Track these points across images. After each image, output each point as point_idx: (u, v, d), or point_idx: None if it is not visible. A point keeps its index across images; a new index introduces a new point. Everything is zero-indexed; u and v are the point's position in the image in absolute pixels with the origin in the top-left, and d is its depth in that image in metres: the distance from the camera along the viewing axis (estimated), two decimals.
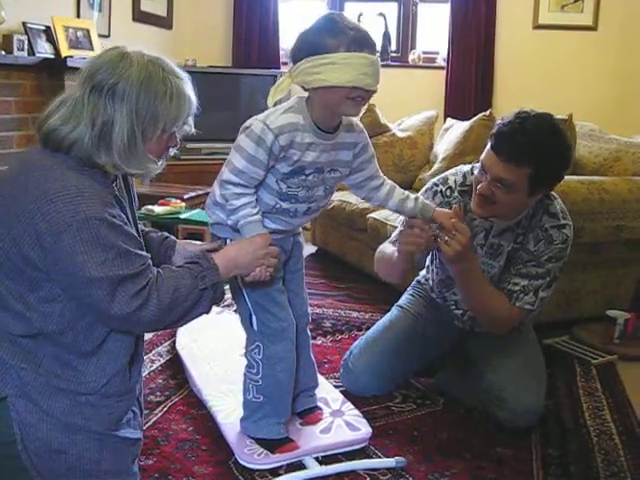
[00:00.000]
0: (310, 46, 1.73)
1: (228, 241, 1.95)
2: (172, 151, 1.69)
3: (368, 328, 2.93)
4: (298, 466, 2.00)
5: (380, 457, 2.06)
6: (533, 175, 2.03)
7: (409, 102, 4.90)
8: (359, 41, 1.71)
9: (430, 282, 2.52)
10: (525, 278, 2.21)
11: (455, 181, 2.32)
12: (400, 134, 4.42)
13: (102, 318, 1.56)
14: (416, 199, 2.08)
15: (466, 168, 2.33)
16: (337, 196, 4.15)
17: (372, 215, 3.65)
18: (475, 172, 2.18)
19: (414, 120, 4.51)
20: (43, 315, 1.54)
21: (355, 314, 3.32)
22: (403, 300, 2.62)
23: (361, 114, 4.40)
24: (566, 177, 3.07)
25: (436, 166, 4.09)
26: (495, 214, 2.18)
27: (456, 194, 2.30)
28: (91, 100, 1.52)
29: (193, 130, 1.72)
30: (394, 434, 2.19)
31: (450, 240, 2.04)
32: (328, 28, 1.73)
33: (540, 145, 2.01)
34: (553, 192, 2.27)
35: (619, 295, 3.29)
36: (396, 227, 3.37)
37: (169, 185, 4.35)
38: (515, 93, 4.74)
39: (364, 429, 2.13)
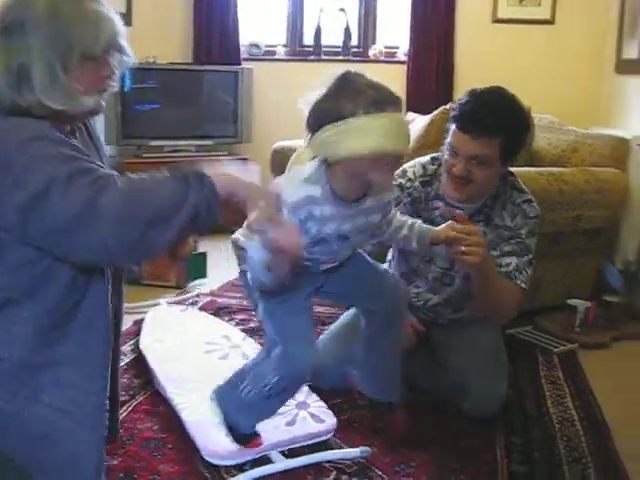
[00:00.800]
0: (326, 114, 1.58)
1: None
2: (112, 84, 1.56)
3: (332, 323, 2.95)
4: (264, 460, 2.00)
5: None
6: (504, 144, 2.10)
7: None
8: (379, 100, 1.55)
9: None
10: (513, 256, 2.23)
11: (414, 172, 2.34)
12: None
13: (60, 228, 1.34)
14: (411, 227, 1.99)
15: (425, 159, 2.36)
16: None
17: None
18: (444, 156, 2.21)
19: None
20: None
21: (321, 309, 3.32)
22: None
23: None
24: (525, 168, 3.14)
25: None
26: (472, 194, 2.20)
27: (417, 184, 2.32)
28: (2, 45, 1.44)
29: (133, 61, 1.59)
30: (359, 426, 2.21)
31: (468, 248, 1.95)
32: (343, 90, 1.58)
33: (504, 113, 2.09)
34: (517, 177, 2.32)
35: (579, 284, 3.34)
36: None
37: None
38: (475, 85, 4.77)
39: (329, 420, 2.14)
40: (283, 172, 4.60)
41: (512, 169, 2.36)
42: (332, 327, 2.56)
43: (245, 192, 1.43)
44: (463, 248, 1.95)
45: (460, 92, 2.47)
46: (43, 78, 1.44)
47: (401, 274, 2.44)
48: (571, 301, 3.13)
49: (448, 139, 2.17)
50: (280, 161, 4.54)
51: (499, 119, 2.08)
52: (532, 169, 3.18)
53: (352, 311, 2.52)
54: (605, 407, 2.41)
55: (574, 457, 2.08)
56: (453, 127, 2.15)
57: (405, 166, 2.39)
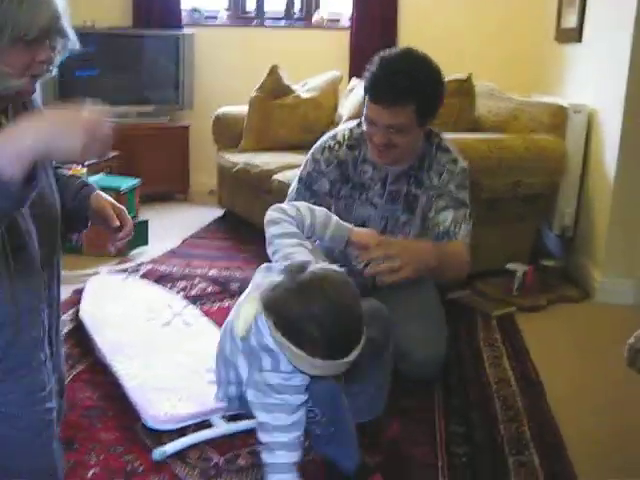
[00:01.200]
0: (288, 330, 1.44)
1: None
2: (47, 68, 1.50)
3: None
4: (205, 425, 2.00)
5: None
6: (419, 108, 2.10)
7: (313, 63, 4.87)
8: (335, 348, 1.43)
9: None
10: (447, 210, 2.24)
11: (344, 136, 2.36)
12: (304, 95, 4.41)
13: None
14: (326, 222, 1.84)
15: (353, 123, 2.38)
16: (242, 159, 4.13)
17: (277, 177, 3.64)
18: (363, 127, 2.22)
19: (318, 81, 4.49)
20: None
21: None
22: None
23: (263, 77, 4.38)
24: (466, 135, 3.17)
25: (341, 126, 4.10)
26: (396, 158, 2.22)
27: (344, 148, 2.34)
28: None
29: (77, 46, 1.54)
30: None
31: (393, 266, 1.93)
32: (302, 322, 1.42)
33: (414, 78, 2.08)
34: (443, 136, 2.34)
35: (518, 249, 3.41)
36: None
37: None
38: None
39: None
40: (225, 139, 4.52)
41: (450, 135, 2.39)
42: None
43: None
44: (384, 265, 1.94)
45: None
46: None
47: None
48: (510, 265, 3.19)
49: (364, 110, 2.18)
50: (222, 128, 4.50)
51: (409, 86, 2.07)
52: (472, 136, 3.22)
53: None
54: (540, 367, 2.48)
55: (509, 416, 2.14)
56: (366, 98, 2.16)
57: (336, 129, 2.43)
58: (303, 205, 1.82)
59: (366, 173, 2.32)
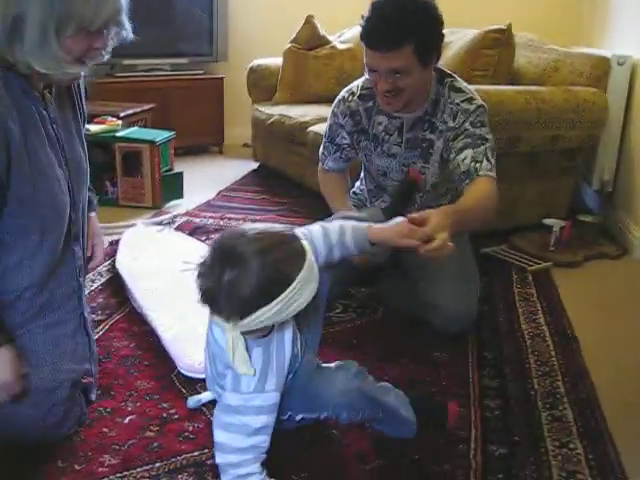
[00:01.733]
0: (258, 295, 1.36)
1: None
2: (101, 53, 1.59)
3: None
4: None
5: None
6: (417, 48, 2.06)
7: (349, 13, 4.78)
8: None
9: (365, 192, 2.56)
10: (466, 149, 2.18)
11: (357, 86, 2.36)
12: (340, 46, 4.36)
13: None
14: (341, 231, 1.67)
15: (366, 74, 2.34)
16: (277, 111, 4.10)
17: (312, 129, 3.62)
18: (367, 75, 2.21)
19: (355, 31, 4.43)
20: None
21: (296, 228, 3.32)
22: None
23: (299, 27, 4.33)
24: (504, 87, 3.11)
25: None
26: (407, 101, 2.19)
27: (356, 98, 2.34)
28: None
29: (131, 36, 1.62)
30: (333, 342, 2.23)
31: (434, 248, 1.75)
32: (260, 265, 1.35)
33: (407, 20, 2.03)
34: (457, 78, 2.29)
35: (555, 204, 3.36)
36: None
37: (105, 103, 4.22)
38: (454, 3, 4.68)
39: None
40: (259, 91, 4.51)
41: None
42: None
43: None
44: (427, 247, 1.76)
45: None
46: (34, 40, 1.46)
47: (369, 190, 2.53)
48: (546, 221, 3.15)
49: (364, 59, 2.15)
50: (256, 80, 4.47)
51: (402, 28, 2.03)
52: (510, 87, 3.15)
53: None
54: (575, 323, 2.45)
55: (544, 371, 2.12)
56: (364, 47, 2.12)
57: (356, 81, 2.41)
58: (317, 235, 1.65)
59: (380, 124, 2.32)
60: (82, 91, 1.84)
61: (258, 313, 1.36)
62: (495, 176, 2.17)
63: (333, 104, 2.43)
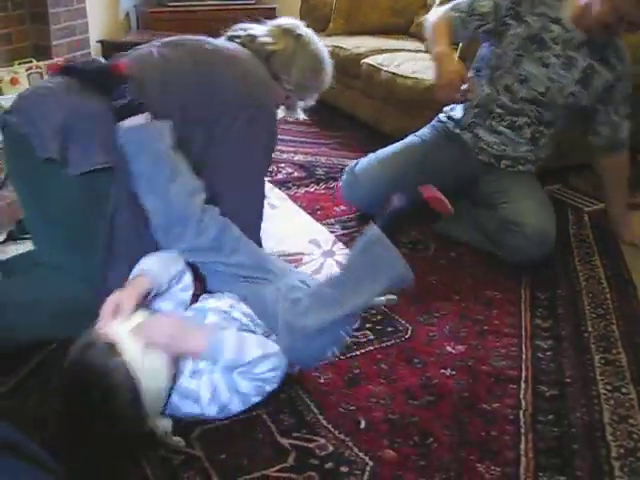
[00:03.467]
0: None
1: None
2: None
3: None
4: None
5: None
6: None
7: None
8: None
9: (459, 115, 2.51)
10: (626, 120, 2.39)
11: None
12: None
13: None
14: None
15: None
16: (330, 42, 4.01)
17: (366, 60, 3.54)
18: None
19: None
20: None
21: (348, 162, 3.25)
22: (421, 131, 2.61)
23: None
24: None
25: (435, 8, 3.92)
26: (593, 33, 2.24)
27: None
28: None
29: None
30: None
31: None
32: None
33: None
34: None
35: None
36: (391, 73, 3.29)
37: (155, 33, 4.16)
38: None
39: None
40: (313, 21, 4.40)
41: None
42: (385, 153, 2.55)
43: None
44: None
45: None
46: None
47: (467, 112, 2.48)
48: None
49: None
50: (310, 10, 4.37)
51: None
52: None
53: (407, 140, 2.58)
54: (632, 266, 2.39)
55: (598, 313, 2.08)
56: None
57: None
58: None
59: (552, 32, 2.28)
60: None
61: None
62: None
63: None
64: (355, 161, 2.61)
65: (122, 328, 1.47)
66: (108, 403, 1.37)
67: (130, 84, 1.66)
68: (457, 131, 2.50)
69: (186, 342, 1.45)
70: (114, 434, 1.40)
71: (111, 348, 1.41)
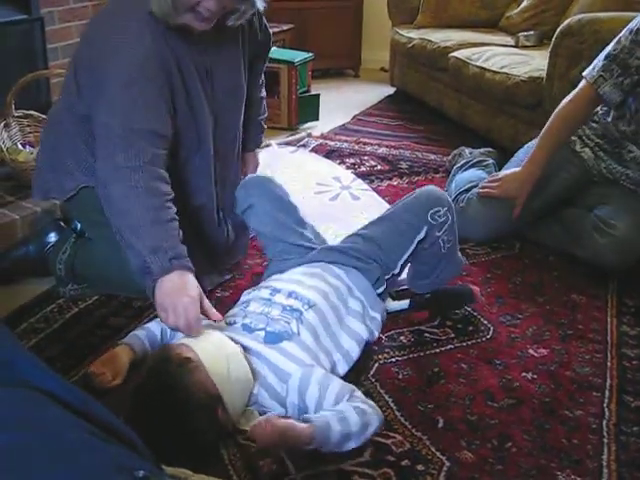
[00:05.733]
0: None
1: None
2: (217, 14, 1.69)
3: (445, 171, 2.90)
4: None
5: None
6: None
7: None
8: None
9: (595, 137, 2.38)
10: None
11: None
12: None
13: None
14: None
15: None
16: (418, 35, 3.97)
17: (454, 54, 3.49)
18: None
19: None
20: None
21: (432, 156, 3.25)
22: None
23: None
24: None
25: (526, 3, 3.85)
26: None
27: None
28: None
29: (263, 6, 1.77)
30: (467, 276, 2.19)
31: None
32: None
33: None
34: None
35: None
36: (479, 67, 3.23)
37: None
38: None
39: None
40: (400, 13, 4.33)
41: None
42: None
43: None
44: None
45: None
46: None
47: (602, 137, 2.35)
48: None
49: None
50: (398, 2, 4.33)
51: None
52: None
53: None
54: None
55: None
56: None
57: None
58: None
59: None
60: (255, 24, 1.98)
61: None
62: None
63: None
64: (469, 194, 2.46)
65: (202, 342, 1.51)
66: (186, 424, 1.38)
67: None
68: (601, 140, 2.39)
69: (294, 441, 1.41)
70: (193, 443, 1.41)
71: (189, 362, 1.43)
